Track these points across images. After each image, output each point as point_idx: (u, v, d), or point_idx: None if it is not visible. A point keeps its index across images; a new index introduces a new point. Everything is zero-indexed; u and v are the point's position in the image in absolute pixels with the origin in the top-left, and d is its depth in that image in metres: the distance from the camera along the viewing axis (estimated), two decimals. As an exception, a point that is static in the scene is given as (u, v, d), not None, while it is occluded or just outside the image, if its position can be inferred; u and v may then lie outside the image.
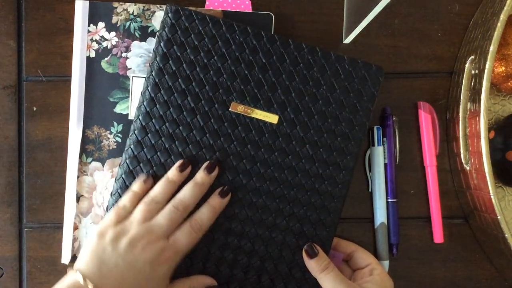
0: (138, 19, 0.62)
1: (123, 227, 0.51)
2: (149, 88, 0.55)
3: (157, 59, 0.56)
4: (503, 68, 0.60)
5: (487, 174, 0.54)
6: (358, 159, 0.56)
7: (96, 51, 0.61)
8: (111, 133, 0.61)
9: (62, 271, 0.61)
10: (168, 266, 0.51)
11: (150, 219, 0.52)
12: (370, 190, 0.63)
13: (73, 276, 0.48)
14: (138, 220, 0.51)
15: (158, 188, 0.53)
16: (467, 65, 0.59)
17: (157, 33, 0.57)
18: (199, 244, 0.54)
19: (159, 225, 0.51)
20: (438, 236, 0.62)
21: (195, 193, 0.53)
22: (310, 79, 0.56)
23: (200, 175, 0.54)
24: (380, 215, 0.62)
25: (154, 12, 0.62)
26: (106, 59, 0.61)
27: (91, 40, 0.61)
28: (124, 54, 0.61)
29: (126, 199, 0.53)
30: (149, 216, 0.52)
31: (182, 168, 0.54)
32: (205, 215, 0.53)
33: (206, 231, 0.54)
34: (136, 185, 0.54)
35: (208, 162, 0.54)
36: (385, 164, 0.62)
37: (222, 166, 0.55)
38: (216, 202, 0.54)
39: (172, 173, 0.54)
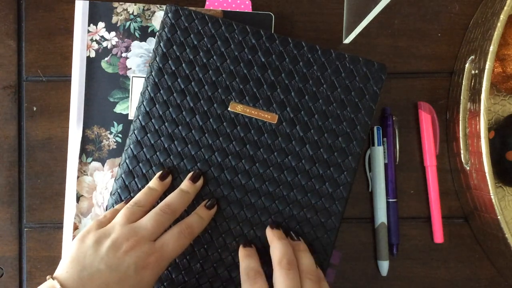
0: (138, 19, 0.62)
1: (104, 230, 0.48)
2: (148, 88, 0.55)
3: (157, 59, 0.56)
4: (503, 68, 0.60)
5: (487, 174, 0.53)
6: (360, 159, 0.56)
7: (96, 51, 0.61)
8: (111, 133, 0.61)
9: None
10: (154, 271, 0.48)
11: (133, 221, 0.50)
12: (370, 190, 0.63)
13: (49, 283, 0.45)
14: (121, 222, 0.49)
15: (140, 194, 0.52)
16: (467, 65, 0.59)
17: (157, 33, 0.57)
18: (198, 245, 0.54)
19: (144, 227, 0.49)
20: (438, 236, 0.62)
21: (182, 199, 0.52)
22: (310, 78, 0.55)
23: (185, 184, 0.54)
24: (380, 215, 0.62)
25: (154, 12, 0.62)
26: (106, 59, 0.61)
27: (91, 40, 0.61)
28: (124, 54, 0.61)
29: (111, 209, 0.53)
30: (132, 218, 0.50)
31: (162, 177, 0.54)
32: (195, 221, 0.52)
33: (200, 234, 0.54)
34: (120, 205, 0.54)
35: (191, 173, 0.54)
36: (385, 164, 0.62)
37: (221, 166, 0.55)
38: (203, 213, 0.53)
39: (153, 182, 0.54)
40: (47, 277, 0.45)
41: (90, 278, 0.45)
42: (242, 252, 0.53)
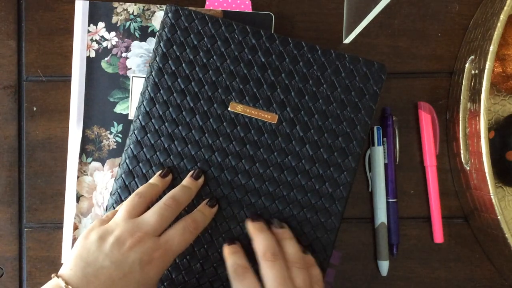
0: (138, 19, 0.62)
1: (107, 226, 0.48)
2: (148, 88, 0.55)
3: (157, 59, 0.56)
4: (503, 68, 0.60)
5: (487, 174, 0.53)
6: (360, 159, 0.56)
7: (96, 51, 0.61)
8: (111, 133, 0.61)
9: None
10: (159, 267, 0.47)
11: (135, 215, 0.49)
12: (370, 190, 0.63)
13: (54, 281, 0.45)
14: (123, 217, 0.49)
15: (141, 187, 0.52)
16: (467, 65, 0.59)
17: (157, 33, 0.57)
18: (198, 245, 0.54)
19: (148, 222, 0.48)
20: (438, 236, 0.62)
21: (184, 193, 0.52)
22: (310, 78, 0.55)
23: (187, 180, 0.54)
24: (380, 215, 0.62)
25: (154, 12, 0.62)
26: (106, 59, 0.61)
27: (91, 40, 0.61)
28: (124, 54, 0.61)
29: (112, 211, 0.52)
30: (134, 212, 0.49)
31: (163, 175, 0.54)
32: (199, 217, 0.52)
33: (201, 233, 0.54)
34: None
35: (192, 171, 0.54)
36: (385, 164, 0.62)
37: (221, 166, 0.55)
38: (206, 210, 0.53)
39: (154, 178, 0.54)
40: (52, 275, 0.45)
41: (95, 275, 0.45)
42: (227, 250, 0.52)
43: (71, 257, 0.46)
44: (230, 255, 0.51)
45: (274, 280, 0.48)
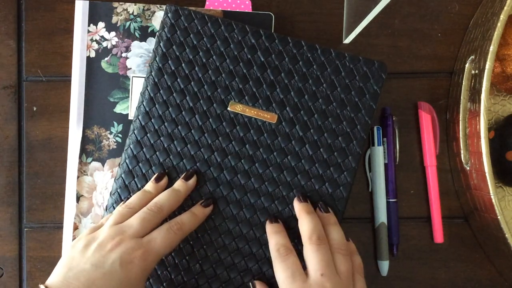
0: (138, 19, 0.62)
1: (94, 234, 0.49)
2: (148, 88, 0.55)
3: (157, 59, 0.56)
4: (503, 68, 0.60)
5: (487, 174, 0.53)
6: (360, 159, 0.56)
7: (96, 51, 0.61)
8: (111, 133, 0.61)
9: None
10: (140, 266, 0.47)
11: (121, 222, 0.50)
12: (370, 190, 0.63)
13: None
14: (109, 224, 0.50)
15: (133, 197, 0.53)
16: (467, 65, 0.59)
17: (156, 33, 0.57)
18: (197, 245, 0.54)
19: (129, 225, 0.49)
20: (438, 236, 0.62)
21: (171, 197, 0.52)
22: (310, 77, 0.55)
23: (178, 182, 0.54)
24: (380, 215, 0.61)
25: (154, 12, 0.62)
26: (106, 59, 0.61)
27: (91, 40, 0.62)
28: (124, 54, 0.61)
29: (106, 216, 0.53)
30: (120, 220, 0.50)
31: (157, 179, 0.54)
32: (186, 218, 0.52)
33: (196, 236, 0.54)
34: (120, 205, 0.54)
35: (186, 171, 0.55)
36: (385, 164, 0.62)
37: (220, 166, 0.55)
38: (198, 210, 0.53)
39: (148, 184, 0.54)
40: (39, 285, 0.46)
41: (75, 278, 0.46)
42: (270, 229, 0.53)
43: (58, 265, 0.48)
44: (273, 234, 0.52)
45: (318, 263, 0.48)
